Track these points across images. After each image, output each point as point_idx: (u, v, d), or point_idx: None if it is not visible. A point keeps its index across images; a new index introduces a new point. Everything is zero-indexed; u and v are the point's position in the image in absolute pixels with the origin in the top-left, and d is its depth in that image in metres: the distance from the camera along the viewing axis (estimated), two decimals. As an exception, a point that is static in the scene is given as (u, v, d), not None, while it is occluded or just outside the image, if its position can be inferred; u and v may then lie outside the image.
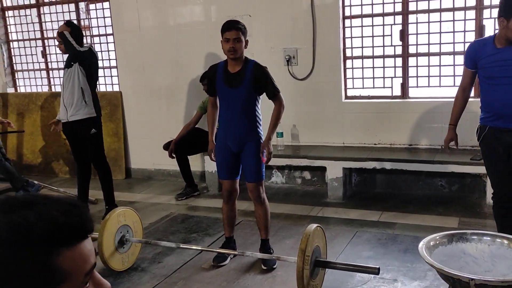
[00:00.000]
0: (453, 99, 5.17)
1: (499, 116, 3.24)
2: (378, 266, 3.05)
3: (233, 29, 3.41)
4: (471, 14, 4.76)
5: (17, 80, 7.21)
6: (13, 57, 7.13)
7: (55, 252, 0.78)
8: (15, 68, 7.17)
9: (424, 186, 5.13)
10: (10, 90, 7.15)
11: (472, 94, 4.86)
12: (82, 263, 0.82)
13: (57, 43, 4.74)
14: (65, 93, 4.60)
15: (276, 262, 3.57)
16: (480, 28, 4.74)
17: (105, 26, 6.37)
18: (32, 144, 6.90)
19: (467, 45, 4.76)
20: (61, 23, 6.37)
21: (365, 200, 5.01)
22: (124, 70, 6.29)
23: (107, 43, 6.40)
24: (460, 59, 4.88)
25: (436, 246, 2.06)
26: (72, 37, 4.48)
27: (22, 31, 6.97)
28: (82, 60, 4.51)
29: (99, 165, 4.80)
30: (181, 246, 3.64)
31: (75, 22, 6.44)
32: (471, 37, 4.77)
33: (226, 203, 3.73)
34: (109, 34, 6.33)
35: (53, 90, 6.93)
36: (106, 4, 6.27)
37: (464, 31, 4.81)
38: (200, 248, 3.70)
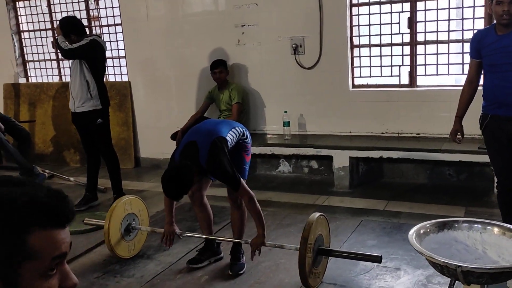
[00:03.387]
0: (461, 87, 5.12)
1: (501, 104, 3.22)
2: (380, 255, 3.06)
3: None
4: (480, 0, 4.69)
5: (28, 70, 7.29)
6: (24, 48, 7.21)
7: (29, 228, 0.82)
8: (26, 59, 7.25)
9: (432, 175, 5.10)
10: (22, 80, 7.23)
11: (480, 82, 4.84)
12: (52, 247, 0.84)
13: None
14: (72, 85, 4.66)
15: (244, 267, 3.44)
16: (489, 15, 4.66)
17: (113, 16, 6.40)
18: (43, 134, 6.99)
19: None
20: (71, 13, 6.47)
21: (372, 189, 5.01)
22: (132, 60, 6.32)
23: (116, 33, 6.43)
24: (468, 47, 4.81)
25: (427, 233, 2.07)
26: (72, 33, 4.53)
27: (33, 22, 7.03)
28: (81, 56, 4.54)
29: (107, 155, 4.86)
30: (186, 234, 3.67)
31: (84, 12, 6.50)
32: (480, 24, 4.70)
33: (193, 203, 3.57)
34: (118, 24, 6.36)
35: (63, 80, 7.00)
36: (114, -6, 6.30)
37: (473, 18, 4.74)
38: (204, 236, 3.72)
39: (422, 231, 2.06)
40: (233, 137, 3.29)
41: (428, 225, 2.11)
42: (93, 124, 4.67)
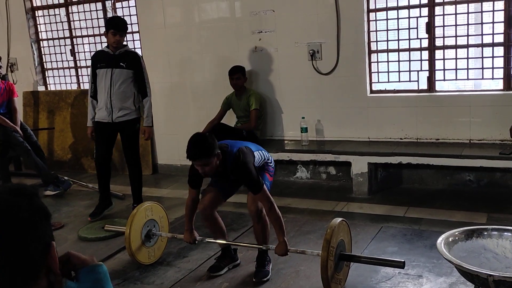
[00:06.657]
0: (481, 92, 5.08)
1: None
2: (403, 260, 3.03)
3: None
4: (500, 4, 4.64)
5: (47, 78, 7.38)
6: (43, 56, 7.31)
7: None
8: (45, 67, 7.35)
9: (452, 181, 5.05)
10: (41, 88, 7.33)
11: (500, 87, 4.79)
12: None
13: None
14: (117, 95, 4.63)
15: (269, 275, 3.44)
16: (509, 19, 4.62)
17: (131, 24, 6.45)
18: (62, 141, 7.06)
19: (495, 36, 4.69)
20: (89, 22, 6.54)
21: (391, 195, 4.97)
22: (150, 67, 6.33)
23: (133, 40, 6.49)
24: (488, 51, 4.78)
25: (456, 242, 2.03)
26: None
27: (52, 30, 7.13)
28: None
29: (137, 161, 4.90)
30: (206, 240, 3.67)
31: (102, 21, 6.57)
32: (499, 28, 4.66)
33: (204, 219, 3.50)
34: (135, 32, 6.42)
35: (82, 87, 7.07)
36: (132, 2, 6.36)
37: (493, 23, 4.70)
38: (224, 242, 3.73)
39: (450, 239, 2.03)
40: (259, 158, 3.43)
41: (456, 233, 2.08)
42: (132, 130, 4.80)
